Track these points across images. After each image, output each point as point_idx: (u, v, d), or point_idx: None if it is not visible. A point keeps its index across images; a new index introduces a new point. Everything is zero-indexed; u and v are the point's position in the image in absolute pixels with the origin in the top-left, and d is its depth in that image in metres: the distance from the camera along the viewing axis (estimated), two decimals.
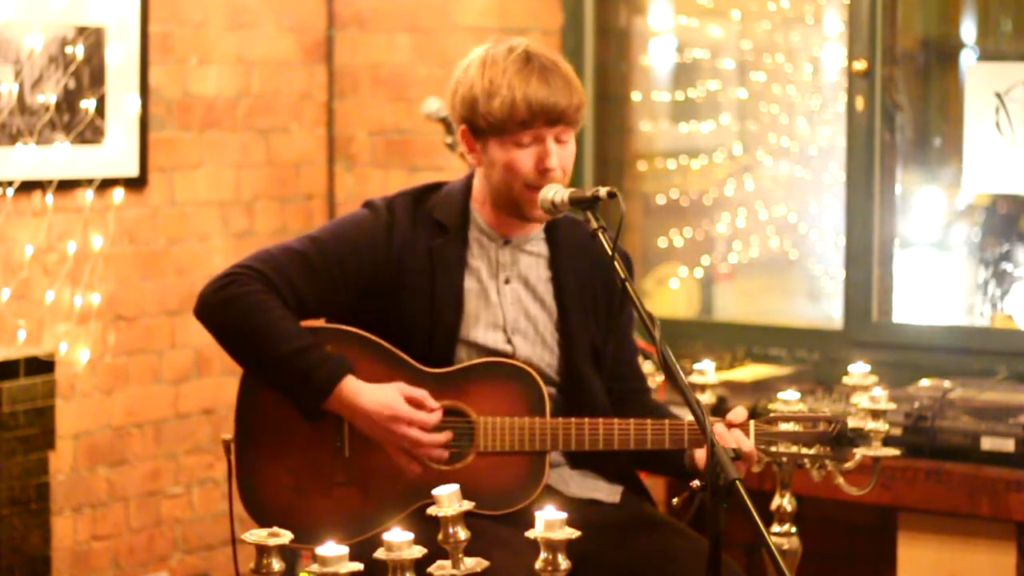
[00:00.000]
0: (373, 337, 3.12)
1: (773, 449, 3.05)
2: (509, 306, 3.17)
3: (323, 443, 3.11)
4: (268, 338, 3.07)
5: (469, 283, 3.16)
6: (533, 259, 3.20)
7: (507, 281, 3.18)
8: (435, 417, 3.07)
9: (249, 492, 3.13)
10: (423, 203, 3.19)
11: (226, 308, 3.09)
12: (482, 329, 3.15)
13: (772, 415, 3.09)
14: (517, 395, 3.09)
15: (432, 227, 3.16)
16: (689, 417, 2.85)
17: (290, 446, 3.12)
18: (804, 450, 3.04)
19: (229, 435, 3.12)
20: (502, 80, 3.05)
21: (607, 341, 3.23)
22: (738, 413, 3.05)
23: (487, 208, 3.16)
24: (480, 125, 3.08)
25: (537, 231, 3.21)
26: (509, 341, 3.16)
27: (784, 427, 3.05)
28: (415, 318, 3.12)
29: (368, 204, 3.21)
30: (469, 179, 3.21)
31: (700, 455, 3.09)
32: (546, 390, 3.10)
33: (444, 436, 3.07)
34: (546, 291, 3.20)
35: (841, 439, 3.03)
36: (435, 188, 3.23)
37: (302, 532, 3.03)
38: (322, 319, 3.21)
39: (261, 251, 3.16)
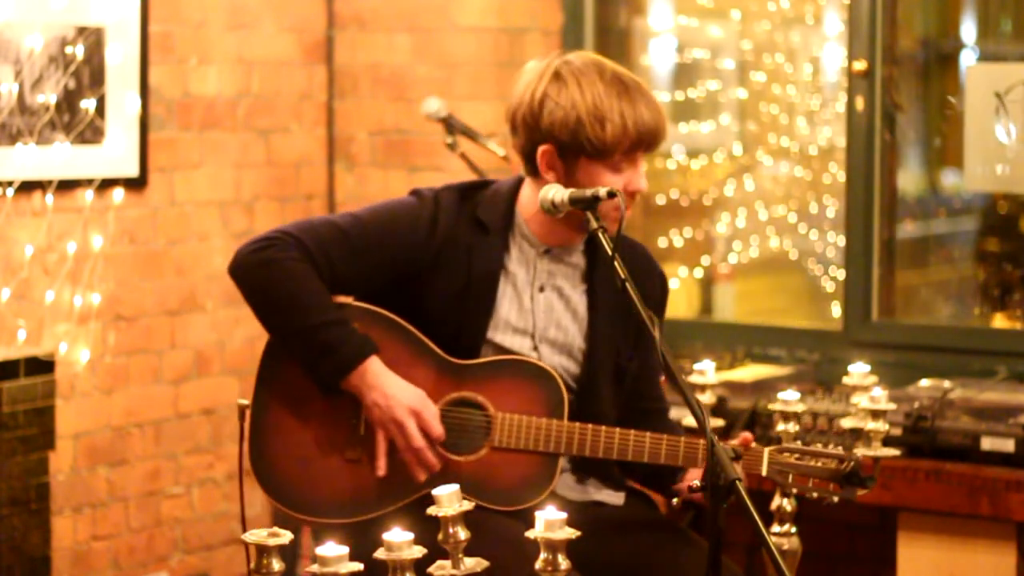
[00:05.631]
0: (400, 320, 3.11)
1: (785, 473, 3.05)
2: (541, 314, 3.16)
3: (340, 419, 3.10)
4: (298, 306, 3.05)
5: (504, 286, 3.14)
6: (570, 270, 3.19)
7: (541, 289, 3.17)
8: (441, 434, 3.06)
9: (260, 455, 3.11)
10: (468, 200, 3.17)
11: (261, 270, 3.07)
12: (510, 333, 3.14)
13: (785, 446, 3.09)
14: (537, 395, 3.09)
15: (475, 225, 3.14)
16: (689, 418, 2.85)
17: (307, 417, 3.11)
18: (813, 483, 3.04)
19: (245, 400, 3.10)
20: (609, 104, 3.02)
21: (631, 357, 3.23)
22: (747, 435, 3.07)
23: (538, 219, 3.13)
24: (579, 147, 3.03)
25: (578, 243, 3.18)
26: (535, 348, 3.15)
27: (796, 460, 3.06)
28: (445, 312, 3.11)
29: (415, 192, 3.19)
30: (518, 183, 3.18)
31: (691, 478, 3.11)
32: (567, 394, 3.10)
33: (438, 460, 3.07)
34: (580, 302, 3.18)
35: (852, 478, 3.03)
36: (482, 186, 3.21)
37: (305, 503, 3.05)
38: (351, 297, 3.20)
39: (303, 220, 3.15)
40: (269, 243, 3.09)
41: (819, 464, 3.04)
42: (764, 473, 3.04)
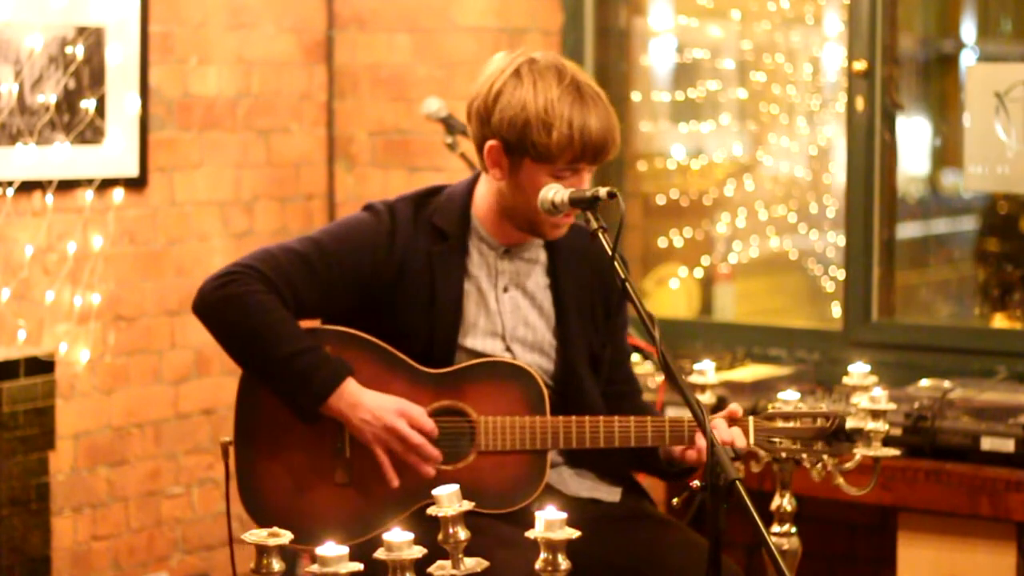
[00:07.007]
0: (371, 338, 3.11)
1: (773, 440, 3.06)
2: (508, 314, 3.16)
3: (324, 444, 3.10)
4: (268, 339, 3.06)
5: (468, 290, 3.15)
6: (531, 266, 3.19)
7: (505, 289, 3.17)
8: (434, 428, 3.07)
9: (249, 493, 3.13)
10: (423, 208, 3.17)
11: (226, 306, 3.08)
12: (480, 337, 3.14)
13: (771, 412, 3.10)
14: (517, 394, 3.09)
15: (432, 233, 3.14)
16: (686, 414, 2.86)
17: (291, 447, 3.11)
18: (802, 445, 3.06)
19: (228, 437, 3.11)
20: (560, 110, 2.99)
21: (604, 344, 3.23)
22: (736, 408, 3.06)
23: (492, 218, 3.14)
24: (524, 149, 3.02)
25: (537, 239, 3.20)
26: (508, 349, 3.16)
27: (783, 424, 3.07)
28: (414, 324, 3.11)
29: (369, 207, 3.19)
30: (471, 184, 3.18)
31: (678, 449, 3.10)
32: (545, 389, 3.10)
33: (438, 452, 3.07)
34: (544, 298, 3.19)
35: (839, 435, 3.05)
36: (435, 192, 3.21)
37: (302, 533, 3.03)
38: (319, 320, 3.20)
39: (261, 250, 3.14)
40: (231, 278, 3.08)
41: (806, 425, 3.05)
42: (752, 443, 3.04)
